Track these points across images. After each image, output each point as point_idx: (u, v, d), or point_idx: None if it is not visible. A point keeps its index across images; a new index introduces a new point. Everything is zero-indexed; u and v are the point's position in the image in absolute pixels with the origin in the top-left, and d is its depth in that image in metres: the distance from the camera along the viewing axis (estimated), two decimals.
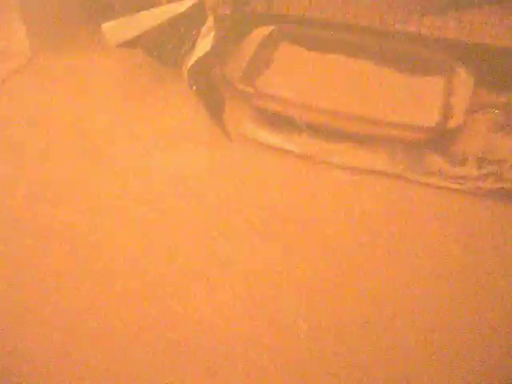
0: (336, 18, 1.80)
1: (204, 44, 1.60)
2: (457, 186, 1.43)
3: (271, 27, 1.80)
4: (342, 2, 1.80)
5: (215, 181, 1.47)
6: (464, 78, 1.63)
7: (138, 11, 1.76)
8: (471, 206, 1.40)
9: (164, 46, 1.75)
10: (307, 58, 1.77)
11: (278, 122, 1.61)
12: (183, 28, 1.75)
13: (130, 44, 1.74)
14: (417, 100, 1.59)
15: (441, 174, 1.47)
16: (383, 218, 1.37)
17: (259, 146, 1.56)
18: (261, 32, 1.79)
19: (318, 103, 1.58)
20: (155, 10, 1.78)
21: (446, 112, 1.53)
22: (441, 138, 1.53)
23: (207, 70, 1.61)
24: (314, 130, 1.58)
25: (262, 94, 1.60)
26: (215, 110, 1.58)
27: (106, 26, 1.74)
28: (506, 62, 1.69)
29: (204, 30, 1.65)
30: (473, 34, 1.71)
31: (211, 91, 1.59)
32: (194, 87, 1.57)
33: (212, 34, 1.59)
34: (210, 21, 1.62)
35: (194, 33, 1.71)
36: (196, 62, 1.57)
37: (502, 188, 1.42)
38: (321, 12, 1.83)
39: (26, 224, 1.36)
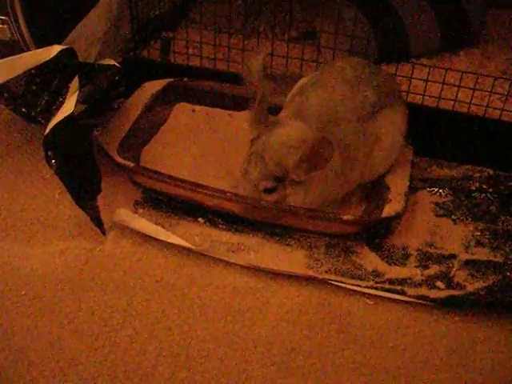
0: None
1: (69, 103, 1.22)
2: (396, 296, 1.09)
3: (166, 80, 1.44)
4: None
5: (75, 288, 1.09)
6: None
7: None
8: (413, 317, 1.07)
9: (33, 100, 1.36)
10: (208, 123, 1.42)
11: (164, 205, 1.24)
12: (56, 80, 1.36)
13: None
14: None
15: (376, 276, 1.13)
16: (296, 345, 1.00)
17: (140, 238, 1.18)
18: (152, 87, 1.42)
19: (216, 184, 1.21)
20: (18, 56, 1.39)
21: (379, 195, 1.20)
22: (374, 228, 1.20)
23: (74, 139, 1.22)
24: (210, 217, 1.22)
25: (144, 170, 1.22)
26: (85, 193, 1.19)
27: None
28: (449, 126, 1.40)
29: (72, 86, 1.26)
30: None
31: (80, 168, 1.20)
32: (54, 162, 1.17)
33: (77, 93, 1.21)
34: (76, 80, 1.23)
35: (66, 86, 1.33)
36: (55, 127, 1.17)
37: (453, 296, 1.09)
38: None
39: None
